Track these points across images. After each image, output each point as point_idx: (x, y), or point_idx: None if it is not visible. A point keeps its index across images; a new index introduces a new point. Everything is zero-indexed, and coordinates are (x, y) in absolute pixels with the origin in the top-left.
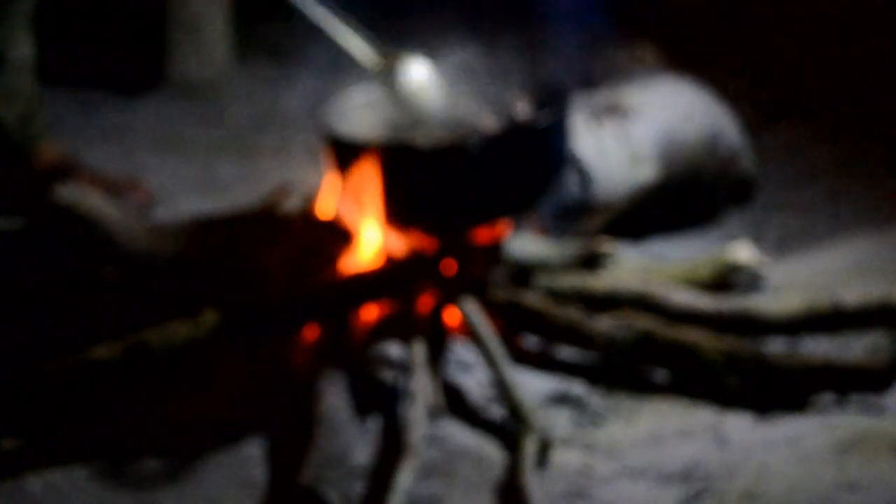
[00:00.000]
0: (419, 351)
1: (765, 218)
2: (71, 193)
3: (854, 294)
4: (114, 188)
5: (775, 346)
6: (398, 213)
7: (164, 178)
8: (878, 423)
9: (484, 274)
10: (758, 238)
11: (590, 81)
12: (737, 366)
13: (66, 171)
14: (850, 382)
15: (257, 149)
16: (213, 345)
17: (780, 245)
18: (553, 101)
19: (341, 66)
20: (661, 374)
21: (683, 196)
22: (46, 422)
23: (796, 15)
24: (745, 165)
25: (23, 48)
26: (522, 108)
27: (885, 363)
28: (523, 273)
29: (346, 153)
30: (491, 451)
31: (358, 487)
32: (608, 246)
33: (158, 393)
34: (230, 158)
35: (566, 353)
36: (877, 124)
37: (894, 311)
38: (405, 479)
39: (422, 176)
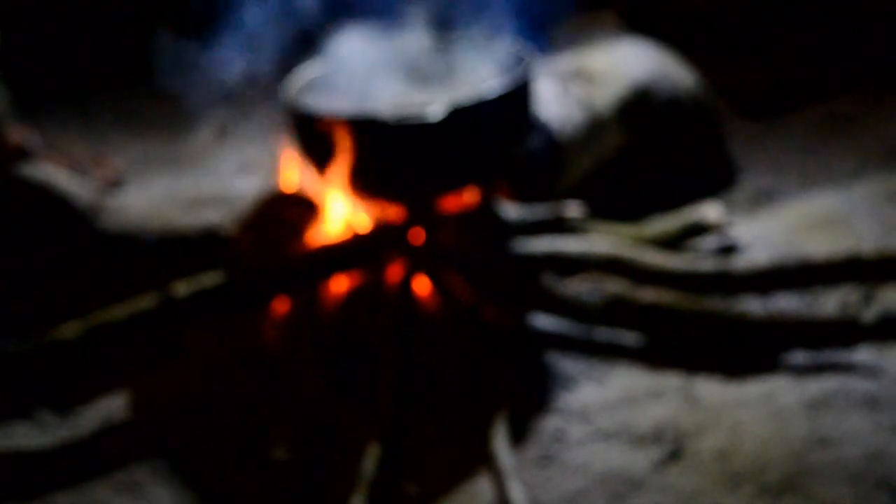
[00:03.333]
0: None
1: (734, 177)
2: (38, 172)
3: (823, 250)
4: (80, 166)
5: (746, 305)
6: (364, 184)
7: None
8: (849, 380)
9: (452, 242)
10: (728, 197)
11: (553, 47)
12: (708, 325)
13: (31, 151)
14: (820, 338)
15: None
16: (183, 319)
17: (751, 203)
18: (516, 68)
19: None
20: (632, 337)
21: (651, 158)
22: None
23: None
24: (711, 128)
25: None
26: (486, 76)
27: (855, 318)
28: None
29: (310, 126)
30: None
31: (331, 460)
32: (576, 209)
33: (129, 369)
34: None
35: (539, 319)
36: (845, 83)
37: (863, 266)
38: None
39: (387, 147)
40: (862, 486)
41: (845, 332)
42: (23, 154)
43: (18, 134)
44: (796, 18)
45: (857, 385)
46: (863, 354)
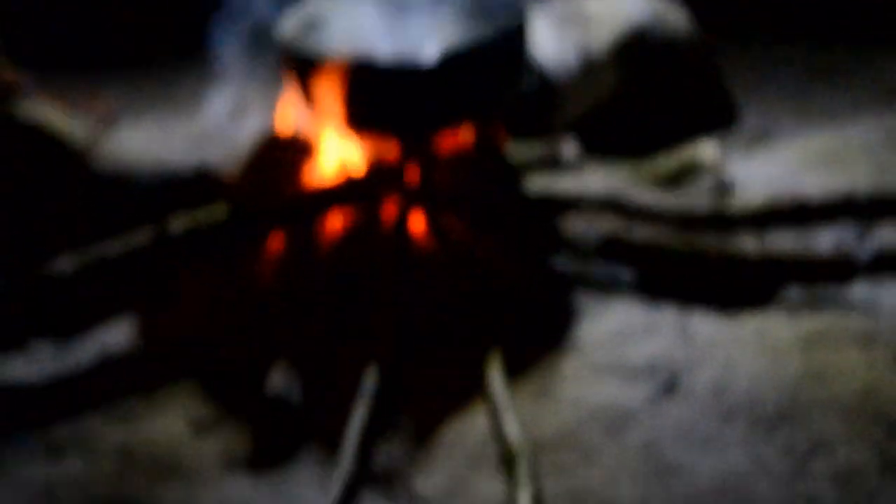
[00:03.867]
0: None
1: (731, 117)
2: (31, 110)
3: (818, 188)
4: (74, 104)
5: (742, 243)
6: (360, 124)
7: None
8: (843, 316)
9: (448, 181)
10: (724, 136)
11: None
12: (703, 262)
13: (24, 89)
14: (815, 275)
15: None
16: (178, 255)
17: (748, 142)
18: (512, 11)
19: None
20: (627, 273)
21: (647, 99)
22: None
23: None
24: (708, 69)
25: None
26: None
27: (850, 255)
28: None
29: (306, 68)
30: None
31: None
32: (572, 148)
33: (125, 304)
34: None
35: (535, 256)
36: (841, 23)
37: (858, 204)
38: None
39: (383, 90)
40: (856, 420)
41: (840, 269)
42: (15, 92)
43: (10, 73)
44: None
45: (852, 321)
46: (857, 291)
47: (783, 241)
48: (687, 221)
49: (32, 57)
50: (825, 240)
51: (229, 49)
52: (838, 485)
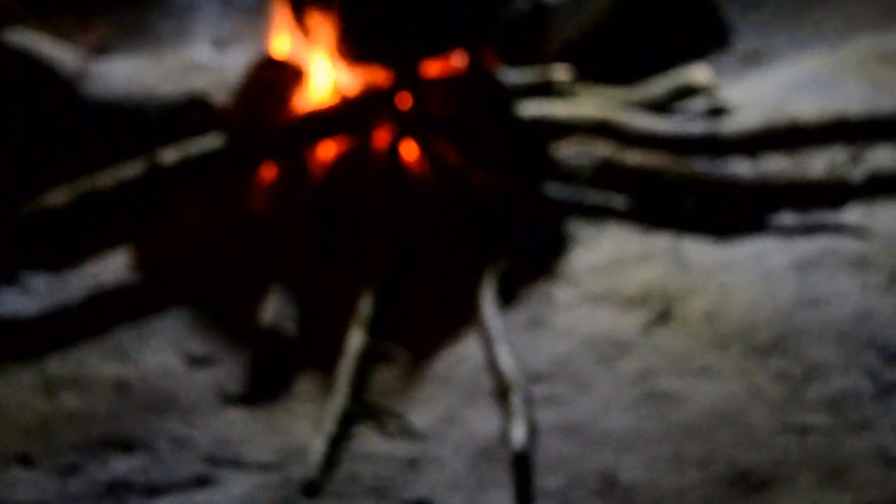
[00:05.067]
0: None
1: (724, 39)
2: (20, 37)
3: (811, 111)
4: (64, 32)
5: (734, 167)
6: (351, 49)
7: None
8: (837, 240)
9: (440, 107)
10: (717, 59)
11: None
12: (696, 188)
13: (13, 16)
14: (809, 199)
15: None
16: (170, 186)
17: (740, 65)
18: None
19: None
20: (620, 200)
21: (639, 21)
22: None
23: None
24: None
25: None
26: None
27: (843, 178)
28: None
29: None
30: None
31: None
32: (564, 73)
33: (118, 235)
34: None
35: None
36: None
37: (850, 126)
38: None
39: (373, 11)
40: (850, 345)
41: (834, 192)
42: (4, 20)
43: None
44: None
45: (846, 245)
46: (851, 215)
47: (776, 165)
48: (680, 145)
49: None
50: (818, 163)
51: None
52: (832, 410)
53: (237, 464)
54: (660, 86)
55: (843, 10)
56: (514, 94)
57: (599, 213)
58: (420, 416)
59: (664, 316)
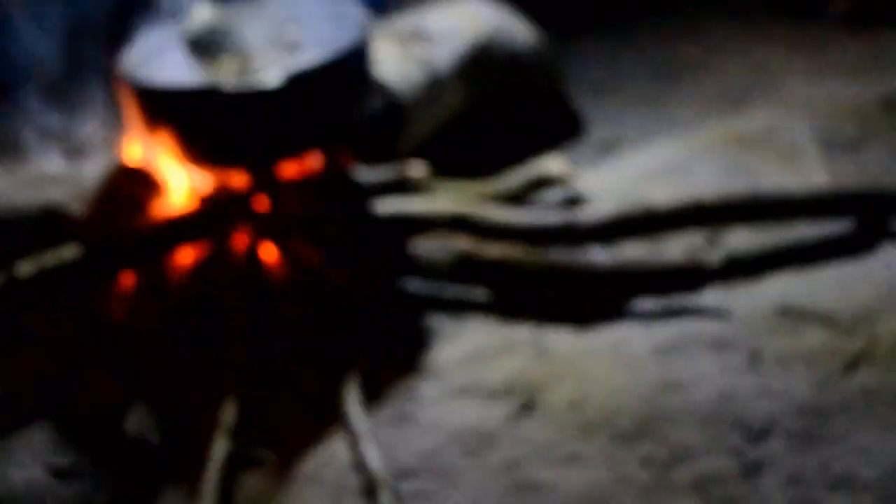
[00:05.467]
0: None
1: (578, 129)
2: None
3: (666, 197)
4: None
5: (592, 255)
6: (206, 153)
7: None
8: (697, 324)
9: (297, 208)
10: (572, 149)
11: (390, 7)
12: (555, 278)
13: None
14: (667, 284)
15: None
16: (28, 298)
17: (595, 154)
18: (352, 31)
19: None
20: (481, 292)
21: (494, 114)
22: None
23: None
24: (553, 81)
25: None
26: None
27: (701, 262)
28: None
29: (148, 99)
30: None
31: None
32: (420, 169)
33: None
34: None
35: (388, 280)
36: (682, 29)
37: (705, 210)
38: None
39: (227, 116)
40: (714, 426)
41: (691, 276)
42: None
43: None
44: None
45: (706, 328)
46: (709, 297)
47: (634, 251)
48: (538, 236)
49: None
50: (675, 247)
51: (73, 84)
52: (699, 492)
53: None
54: (516, 178)
55: (693, 97)
56: (370, 191)
57: (460, 307)
58: None
59: (529, 406)
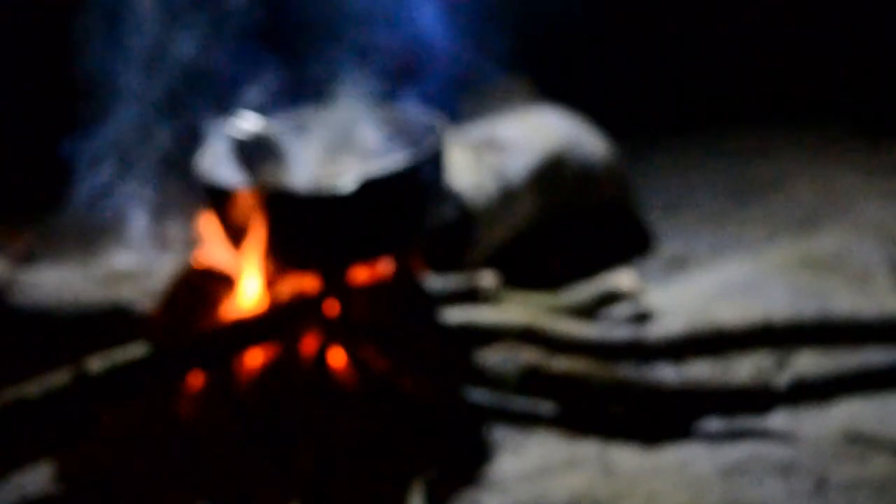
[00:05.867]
0: None
1: (648, 244)
2: None
3: (735, 317)
4: None
5: (660, 373)
6: (279, 256)
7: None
8: (763, 446)
9: (367, 313)
10: (642, 264)
11: (465, 116)
12: (623, 394)
13: None
14: (734, 405)
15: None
16: (97, 395)
17: (665, 270)
18: (428, 138)
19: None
20: (547, 406)
21: (565, 226)
22: None
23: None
24: (624, 195)
25: None
26: (398, 146)
27: (768, 384)
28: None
29: (223, 199)
30: None
31: None
32: (490, 279)
33: (42, 447)
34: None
35: (456, 389)
36: (755, 148)
37: (775, 332)
38: None
39: (300, 220)
40: None
41: (759, 398)
42: None
43: None
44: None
45: (772, 451)
46: (776, 420)
47: (702, 371)
48: (606, 351)
49: None
50: (743, 368)
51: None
52: None
53: None
54: (585, 291)
55: (762, 216)
56: (440, 299)
57: (526, 419)
58: None
59: None
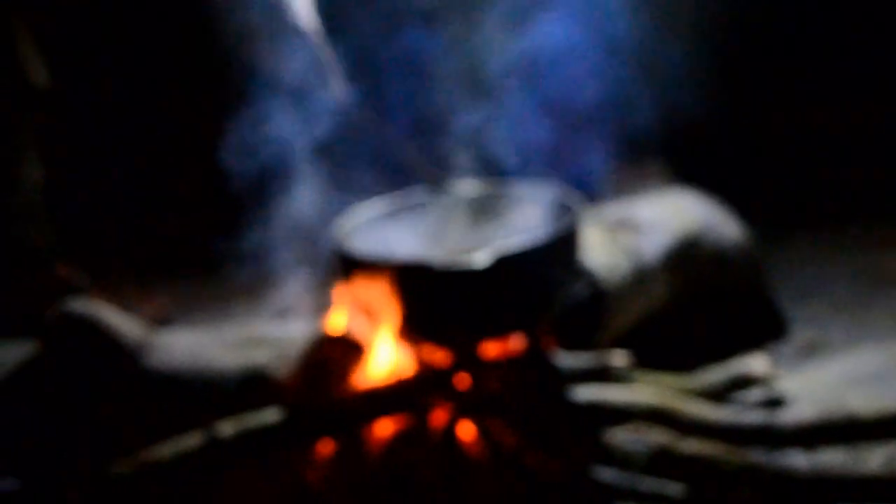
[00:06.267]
0: None
1: (782, 330)
2: (85, 306)
3: (869, 406)
4: (128, 303)
5: (791, 459)
6: (411, 328)
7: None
8: None
9: (498, 388)
10: (775, 350)
11: (601, 195)
12: (752, 479)
13: (79, 286)
14: (866, 494)
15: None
16: (228, 459)
17: (798, 357)
18: (563, 216)
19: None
20: (676, 488)
21: (698, 309)
22: None
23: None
24: (758, 280)
25: (33, 168)
26: (534, 223)
27: None
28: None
29: (359, 270)
30: None
31: None
32: (621, 359)
33: None
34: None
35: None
36: (890, 240)
37: None
38: None
39: (435, 294)
40: None
41: (891, 488)
42: (70, 289)
43: (65, 269)
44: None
45: None
46: None
47: (833, 459)
48: (737, 435)
49: (89, 255)
50: (876, 457)
51: (281, 251)
52: None
53: None
54: (717, 374)
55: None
56: (571, 377)
57: (654, 501)
58: None
59: None
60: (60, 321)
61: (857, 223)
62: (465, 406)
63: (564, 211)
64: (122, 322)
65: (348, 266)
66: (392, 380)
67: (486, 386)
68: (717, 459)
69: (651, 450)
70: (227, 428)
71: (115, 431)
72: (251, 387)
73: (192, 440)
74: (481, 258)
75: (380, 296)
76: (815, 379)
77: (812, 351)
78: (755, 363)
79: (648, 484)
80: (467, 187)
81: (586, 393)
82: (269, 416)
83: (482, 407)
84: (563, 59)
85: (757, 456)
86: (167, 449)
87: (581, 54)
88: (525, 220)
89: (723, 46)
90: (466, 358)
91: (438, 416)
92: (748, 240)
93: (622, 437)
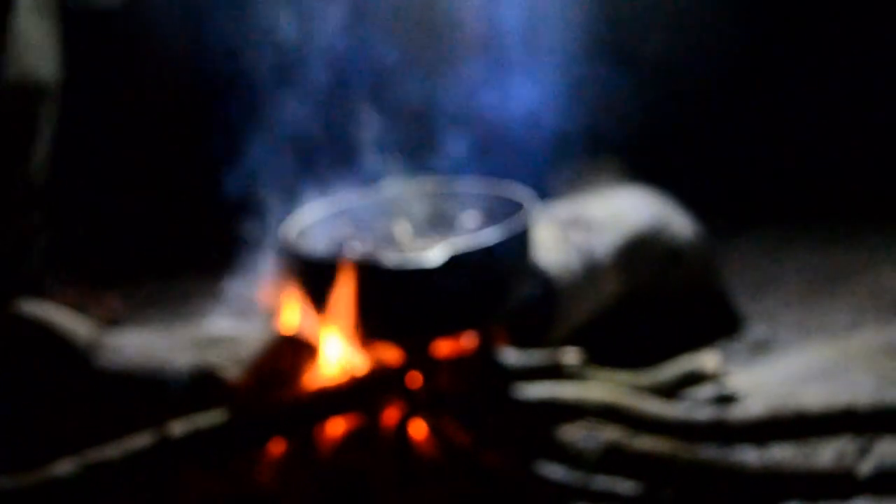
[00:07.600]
0: None
1: (733, 327)
2: (35, 307)
3: (819, 401)
4: (79, 304)
5: (742, 455)
6: (363, 327)
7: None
8: None
9: (449, 387)
10: (726, 347)
11: (553, 193)
12: (704, 475)
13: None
14: (816, 490)
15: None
16: (178, 459)
17: (749, 353)
18: (515, 215)
19: None
20: (628, 485)
21: (650, 306)
22: None
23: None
24: (711, 277)
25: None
26: (485, 222)
27: (851, 470)
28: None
29: (309, 270)
30: None
31: None
32: (573, 356)
33: None
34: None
35: (537, 465)
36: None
37: (859, 418)
38: None
39: (387, 292)
40: None
41: (841, 484)
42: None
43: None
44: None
45: None
46: None
47: (784, 454)
48: (688, 432)
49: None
50: (826, 453)
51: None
52: None
53: None
54: (669, 371)
55: (849, 302)
56: (522, 375)
57: (606, 499)
58: None
59: None
60: (10, 322)
61: (809, 220)
62: (417, 404)
63: (516, 209)
64: (72, 322)
65: (299, 266)
66: (344, 379)
67: (439, 384)
68: (668, 456)
69: (603, 447)
70: (177, 428)
71: (63, 431)
72: (202, 387)
73: (142, 440)
74: (433, 257)
75: (331, 295)
76: (766, 375)
77: (763, 348)
78: (706, 360)
79: (600, 482)
80: (420, 185)
81: (538, 390)
82: (220, 415)
83: (434, 405)
84: (516, 56)
85: (708, 452)
86: (116, 449)
87: (536, 50)
88: (477, 219)
89: (675, 46)
90: (418, 356)
91: (390, 415)
92: (701, 237)
93: (574, 434)
